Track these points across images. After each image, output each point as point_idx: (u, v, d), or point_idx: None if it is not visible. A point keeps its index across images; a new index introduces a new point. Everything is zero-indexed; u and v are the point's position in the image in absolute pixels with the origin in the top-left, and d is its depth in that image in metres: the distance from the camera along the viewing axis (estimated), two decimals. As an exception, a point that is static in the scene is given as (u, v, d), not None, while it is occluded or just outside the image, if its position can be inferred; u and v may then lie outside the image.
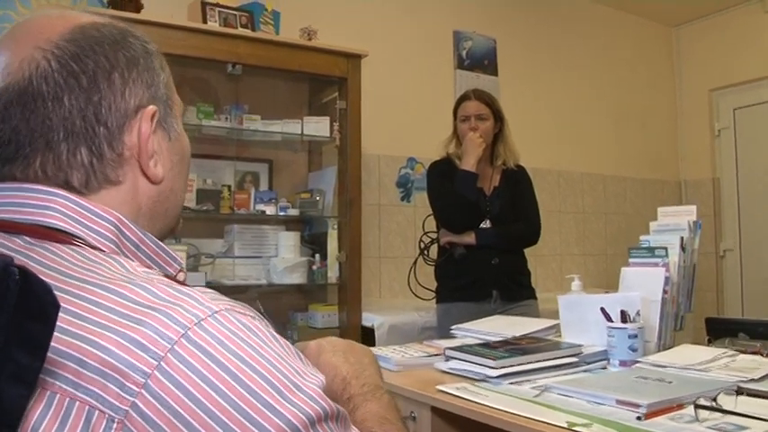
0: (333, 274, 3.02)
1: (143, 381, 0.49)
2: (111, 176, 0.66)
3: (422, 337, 2.75)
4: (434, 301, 2.84)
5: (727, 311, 4.68)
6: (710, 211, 4.83)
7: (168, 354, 0.50)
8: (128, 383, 0.49)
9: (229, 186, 2.94)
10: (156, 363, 0.49)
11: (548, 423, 1.06)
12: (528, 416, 1.11)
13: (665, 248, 1.64)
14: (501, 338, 1.71)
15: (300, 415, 0.52)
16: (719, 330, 1.71)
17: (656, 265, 1.64)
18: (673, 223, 1.74)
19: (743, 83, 4.74)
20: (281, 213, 2.98)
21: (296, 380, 0.54)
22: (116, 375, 0.49)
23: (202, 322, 0.52)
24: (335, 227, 3.05)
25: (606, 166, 4.76)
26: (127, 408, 0.48)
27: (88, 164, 0.64)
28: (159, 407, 0.49)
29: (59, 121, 0.63)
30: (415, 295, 3.03)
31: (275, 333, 0.58)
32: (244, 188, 3.08)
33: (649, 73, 5.08)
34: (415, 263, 3.05)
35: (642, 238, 1.76)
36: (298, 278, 2.94)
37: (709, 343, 1.66)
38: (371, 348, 1.77)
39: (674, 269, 1.64)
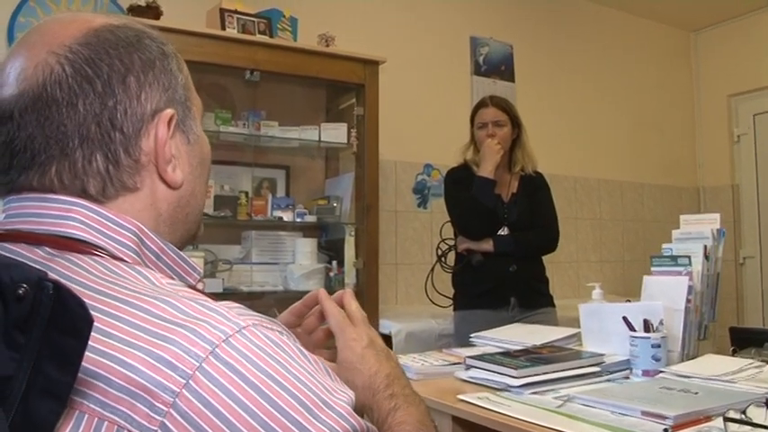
0: (350, 280, 3.01)
1: (171, 400, 0.48)
2: (129, 183, 0.64)
3: (439, 344, 2.74)
4: (451, 308, 2.82)
5: (747, 320, 4.62)
6: (730, 218, 4.77)
7: (197, 372, 0.49)
8: (157, 403, 0.48)
9: (247, 192, 2.95)
10: (184, 381, 0.49)
11: (573, 435, 1.05)
12: (552, 427, 1.09)
13: (689, 257, 1.62)
14: (521, 347, 1.69)
15: None
16: (744, 340, 1.68)
17: (679, 273, 1.62)
18: (695, 231, 1.71)
19: (762, 88, 4.68)
20: (299, 220, 2.99)
21: (325, 397, 0.53)
22: (144, 395, 0.48)
23: (230, 339, 0.51)
24: (352, 233, 3.05)
25: (623, 172, 4.72)
26: (156, 428, 0.48)
27: (104, 171, 0.62)
28: (188, 426, 0.48)
29: (74, 128, 0.61)
30: (432, 302, 3.02)
31: (303, 348, 0.57)
32: (261, 194, 3.08)
33: (667, 78, 5.04)
34: (432, 270, 3.03)
35: (664, 246, 1.74)
36: (315, 285, 2.93)
37: (734, 353, 1.63)
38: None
39: (698, 278, 1.61)
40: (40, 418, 0.45)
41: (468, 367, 1.55)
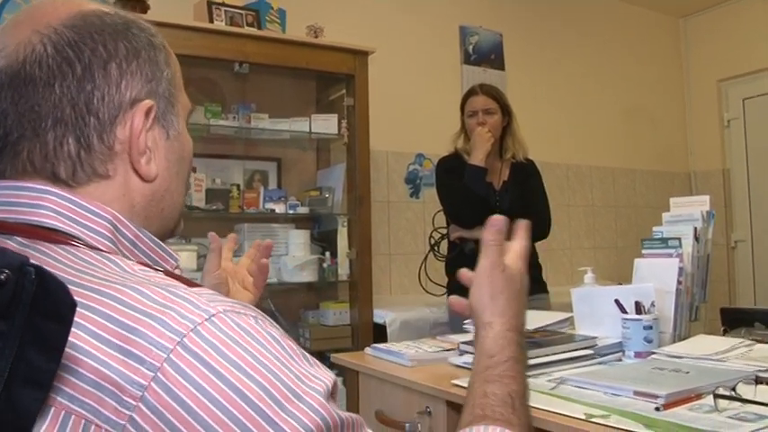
0: (343, 271, 3.02)
1: (140, 394, 0.47)
2: (100, 170, 0.63)
3: (434, 332, 2.75)
4: (445, 296, 2.83)
5: (740, 302, 4.65)
6: (721, 202, 4.79)
7: (164, 363, 0.48)
8: (125, 397, 0.47)
9: (238, 185, 2.94)
10: (152, 374, 0.48)
11: (566, 415, 1.06)
12: (546, 408, 1.10)
13: (679, 239, 1.63)
14: (514, 332, 1.70)
15: (299, 428, 0.50)
16: (734, 320, 1.70)
17: (669, 255, 1.63)
18: (685, 213, 1.72)
19: (752, 72, 4.70)
20: (291, 211, 2.99)
21: (296, 388, 0.52)
22: (112, 388, 0.47)
23: (198, 327, 0.50)
24: (345, 224, 3.05)
25: (615, 158, 4.74)
26: (124, 422, 0.47)
27: (75, 155, 0.61)
28: (157, 421, 0.47)
29: (49, 109, 0.60)
30: (426, 291, 3.03)
31: (275, 334, 0.55)
32: (253, 187, 3.08)
33: (657, 64, 5.05)
34: (425, 259, 3.04)
35: (655, 229, 1.75)
36: (308, 276, 2.94)
37: (725, 333, 1.65)
38: (385, 345, 1.77)
39: (688, 259, 1.62)
40: (23, 407, 0.45)
41: (462, 353, 1.56)
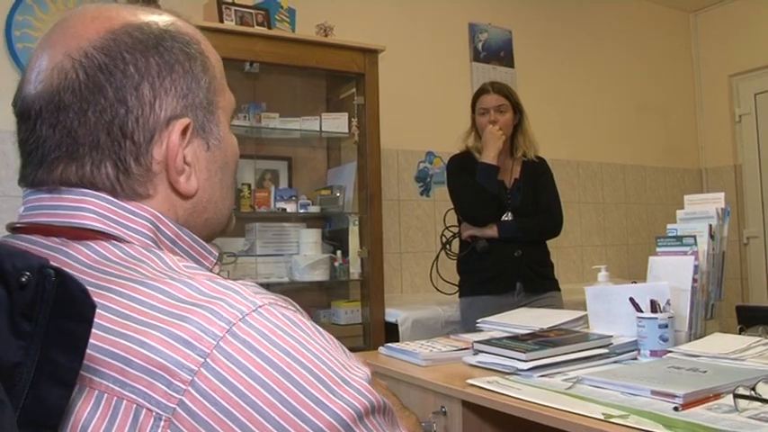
0: (355, 270, 3.02)
1: (190, 378, 0.49)
2: (140, 191, 0.63)
3: (446, 331, 2.75)
4: (457, 295, 2.83)
5: (752, 299, 4.62)
6: (733, 198, 4.75)
7: (214, 350, 0.50)
8: (175, 381, 0.49)
9: (249, 185, 2.94)
10: (202, 360, 0.49)
11: (584, 415, 1.05)
12: (563, 408, 1.10)
13: (694, 237, 1.62)
14: (529, 331, 1.69)
15: (349, 409, 0.52)
16: (751, 318, 1.69)
17: (684, 253, 1.62)
18: (700, 211, 1.71)
19: (763, 67, 4.66)
20: (302, 210, 2.98)
21: (343, 373, 0.54)
22: (162, 373, 0.49)
23: (247, 317, 0.52)
24: (356, 223, 3.05)
25: (625, 155, 4.71)
26: (174, 405, 0.48)
27: (114, 178, 0.62)
28: (207, 404, 0.48)
29: (84, 135, 0.61)
30: (438, 290, 3.03)
31: (318, 326, 0.58)
32: (264, 186, 3.09)
33: (667, 60, 5.02)
34: (437, 257, 3.04)
35: (669, 226, 1.74)
36: (320, 275, 2.94)
37: (742, 331, 1.64)
38: (399, 344, 1.77)
39: (704, 257, 1.61)
40: (50, 404, 0.46)
41: (476, 352, 1.56)
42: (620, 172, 4.70)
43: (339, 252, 3.03)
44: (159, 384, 0.49)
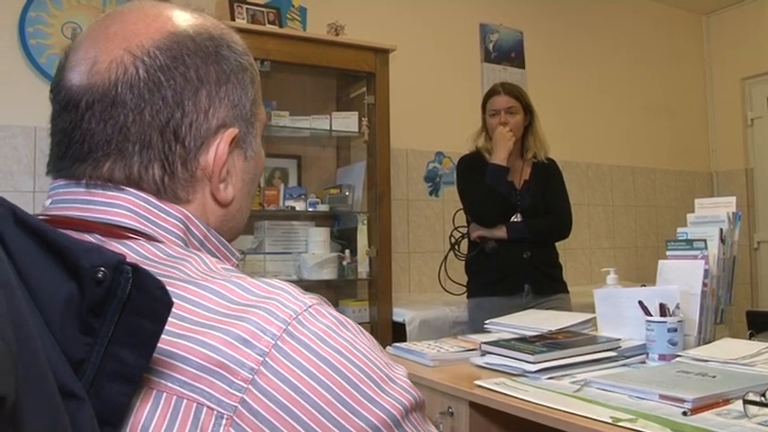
0: (363, 269, 3.02)
1: (250, 377, 0.49)
2: (181, 195, 0.63)
3: (453, 331, 2.75)
4: (465, 295, 2.83)
5: (762, 304, 4.59)
6: (744, 202, 4.73)
7: (272, 349, 0.50)
8: (236, 380, 0.49)
9: (259, 183, 2.94)
10: (261, 358, 0.50)
11: (591, 418, 1.05)
12: (571, 411, 1.09)
13: (704, 240, 1.61)
14: (537, 333, 1.69)
15: (398, 405, 0.54)
16: (761, 324, 1.68)
17: (694, 257, 1.61)
18: (711, 215, 1.71)
19: (776, 71, 4.64)
20: (311, 209, 2.99)
21: (389, 372, 0.56)
22: (223, 372, 0.49)
23: (299, 317, 0.53)
24: (365, 222, 3.05)
25: (636, 157, 4.69)
26: (236, 404, 0.49)
27: (159, 180, 0.62)
28: (268, 402, 0.49)
29: (137, 133, 0.60)
30: (446, 290, 3.02)
31: (360, 326, 0.59)
32: (273, 184, 3.09)
33: (679, 62, 4.99)
34: (445, 258, 3.03)
35: (679, 230, 1.73)
36: (328, 274, 2.94)
37: (752, 337, 1.63)
38: (406, 344, 1.77)
39: (714, 261, 1.61)
40: (111, 400, 0.46)
41: (484, 353, 1.55)
42: (630, 174, 4.69)
43: (347, 251, 3.03)
44: (220, 383, 0.49)
